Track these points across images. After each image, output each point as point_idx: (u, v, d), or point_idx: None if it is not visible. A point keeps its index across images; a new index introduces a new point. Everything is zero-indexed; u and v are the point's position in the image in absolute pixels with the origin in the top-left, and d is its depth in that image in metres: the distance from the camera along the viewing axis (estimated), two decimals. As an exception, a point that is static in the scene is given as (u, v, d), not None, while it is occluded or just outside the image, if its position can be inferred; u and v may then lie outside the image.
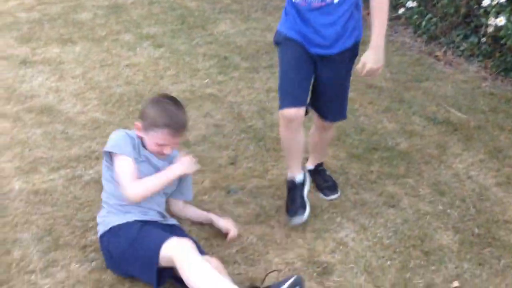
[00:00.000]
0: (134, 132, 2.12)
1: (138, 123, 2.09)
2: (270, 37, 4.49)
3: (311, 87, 2.30)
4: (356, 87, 3.63)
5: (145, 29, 4.53)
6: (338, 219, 2.36)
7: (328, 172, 2.64)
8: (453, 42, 4.27)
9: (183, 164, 2.10)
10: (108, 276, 1.99)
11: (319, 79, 2.30)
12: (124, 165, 2.02)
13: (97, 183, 2.49)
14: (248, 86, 3.62)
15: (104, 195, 2.13)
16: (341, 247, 2.20)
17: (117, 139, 2.07)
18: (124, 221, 2.01)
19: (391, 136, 3.05)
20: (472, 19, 4.21)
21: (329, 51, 2.20)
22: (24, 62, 3.80)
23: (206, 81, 3.65)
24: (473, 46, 4.09)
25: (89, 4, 5.05)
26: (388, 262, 2.14)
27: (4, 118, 3.04)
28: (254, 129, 3.08)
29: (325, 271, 2.08)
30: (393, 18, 4.89)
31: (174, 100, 2.13)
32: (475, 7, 4.11)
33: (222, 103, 3.35)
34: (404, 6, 4.59)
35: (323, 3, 2.11)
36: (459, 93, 3.63)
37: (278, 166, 2.73)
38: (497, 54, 3.94)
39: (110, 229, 2.01)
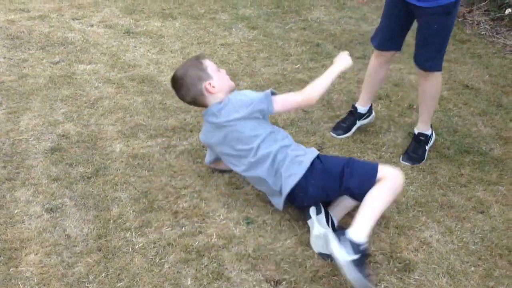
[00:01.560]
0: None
1: (208, 86, 2.25)
2: (364, 27, 4.44)
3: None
4: (452, 86, 3.53)
5: (241, 10, 4.63)
6: (423, 218, 2.34)
7: (426, 147, 2.78)
8: (562, 49, 4.01)
9: (343, 60, 2.36)
10: (197, 242, 2.11)
11: (418, 24, 2.56)
12: (283, 95, 2.28)
13: (190, 153, 2.62)
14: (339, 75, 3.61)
15: (278, 145, 2.19)
16: (424, 247, 2.18)
17: (252, 92, 2.29)
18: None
19: (485, 140, 2.95)
20: None
21: (420, 3, 2.42)
22: (128, 32, 4.02)
23: (297, 66, 3.69)
24: None
25: (189, -18, 5.23)
26: (472, 268, 2.10)
27: (109, 84, 3.25)
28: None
29: (406, 268, 2.07)
30: (496, 19, 4.67)
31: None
32: None
33: (312, 90, 3.38)
34: (511, 6, 4.35)
35: None
36: None
37: (364, 157, 2.73)
38: None
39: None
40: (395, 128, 3.00)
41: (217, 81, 2.27)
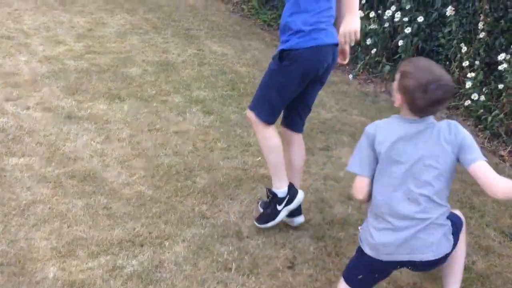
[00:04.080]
0: None
1: None
2: (323, 113, 4.28)
3: None
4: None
5: (195, 92, 4.36)
6: None
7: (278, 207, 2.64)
8: (520, 142, 3.98)
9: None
10: None
11: None
12: None
13: (140, 278, 2.20)
14: (303, 170, 3.35)
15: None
16: None
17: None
18: None
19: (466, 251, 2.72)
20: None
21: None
22: (69, 117, 3.62)
23: (258, 159, 3.40)
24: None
25: (139, 59, 4.93)
26: None
27: (44, 183, 2.81)
28: (312, 225, 2.79)
29: None
30: (451, 107, 4.65)
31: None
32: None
33: (276, 188, 3.08)
34: (470, 98, 4.33)
35: None
36: (533, 203, 3.30)
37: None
38: None
39: None
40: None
41: None
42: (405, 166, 1.93)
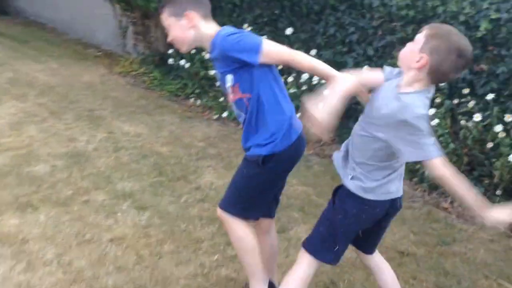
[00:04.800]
0: None
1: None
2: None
3: None
4: (388, 255, 3.17)
5: (119, 185, 3.85)
6: None
7: None
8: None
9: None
10: None
11: None
12: None
13: None
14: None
15: None
16: None
17: None
18: None
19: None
20: (475, 168, 4.04)
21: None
22: (-26, 243, 2.94)
23: (215, 257, 3.00)
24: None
25: (43, 152, 4.31)
26: None
27: None
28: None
29: None
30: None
31: None
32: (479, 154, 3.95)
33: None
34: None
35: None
36: (496, 258, 3.27)
37: None
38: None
39: None
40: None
41: None
42: None
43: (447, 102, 4.10)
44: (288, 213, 3.60)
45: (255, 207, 2.36)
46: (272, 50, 2.15)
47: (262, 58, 2.13)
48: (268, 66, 2.20)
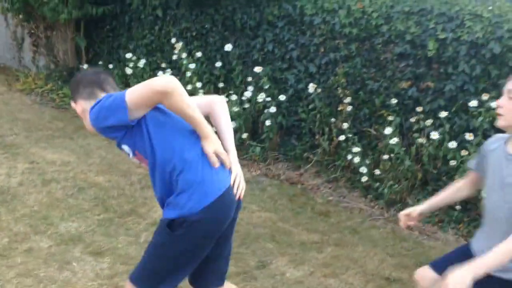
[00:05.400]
0: None
1: None
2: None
3: None
4: (375, 283, 3.07)
5: (62, 226, 3.32)
6: None
7: None
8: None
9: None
10: None
11: None
12: None
13: None
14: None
15: None
16: None
17: None
18: None
19: None
20: (428, 183, 4.14)
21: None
22: None
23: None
24: (439, 212, 3.97)
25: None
26: None
27: None
28: None
29: None
30: (331, 180, 4.61)
31: None
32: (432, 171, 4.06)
33: None
34: (357, 170, 4.32)
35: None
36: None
37: None
38: (467, 218, 3.88)
39: None
40: None
41: None
42: None
43: (398, 119, 4.15)
44: (261, 244, 3.37)
45: (174, 281, 1.96)
46: (135, 97, 1.81)
47: (131, 112, 1.82)
48: (157, 116, 1.91)
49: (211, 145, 1.92)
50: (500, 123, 1.98)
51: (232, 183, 1.95)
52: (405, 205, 4.09)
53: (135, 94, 1.80)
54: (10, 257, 2.90)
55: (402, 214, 2.33)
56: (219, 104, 2.10)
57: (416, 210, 2.30)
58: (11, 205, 3.50)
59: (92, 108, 1.87)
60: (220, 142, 1.98)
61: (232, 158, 2.02)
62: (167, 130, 1.90)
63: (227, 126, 2.10)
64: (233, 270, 3.01)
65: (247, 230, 3.54)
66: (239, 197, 1.99)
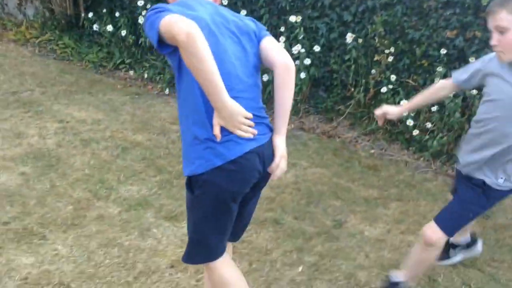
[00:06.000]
0: None
1: None
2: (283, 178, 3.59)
3: None
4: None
5: (122, 190, 3.12)
6: None
7: None
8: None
9: None
10: None
11: None
12: None
13: None
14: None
15: None
16: None
17: None
18: None
19: None
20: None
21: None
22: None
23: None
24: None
25: (-6, 156, 3.29)
26: None
27: None
28: None
29: None
30: (368, 133, 4.54)
31: None
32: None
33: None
34: (404, 124, 4.24)
35: None
36: None
37: None
38: None
39: None
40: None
41: None
42: None
43: (444, 70, 4.07)
44: (328, 202, 3.29)
45: (211, 246, 1.80)
46: (166, 25, 1.49)
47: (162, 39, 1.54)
48: None
49: (221, 121, 1.62)
50: (504, 58, 2.02)
51: (276, 164, 1.75)
52: (450, 157, 4.11)
53: (164, 27, 1.49)
54: (83, 226, 2.70)
55: (379, 113, 2.39)
56: (285, 72, 1.74)
57: (394, 111, 2.37)
58: (60, 169, 3.25)
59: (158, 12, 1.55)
60: (241, 113, 1.64)
61: (277, 141, 1.77)
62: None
63: (285, 101, 1.77)
64: (312, 231, 2.95)
65: (307, 188, 3.45)
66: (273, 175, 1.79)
